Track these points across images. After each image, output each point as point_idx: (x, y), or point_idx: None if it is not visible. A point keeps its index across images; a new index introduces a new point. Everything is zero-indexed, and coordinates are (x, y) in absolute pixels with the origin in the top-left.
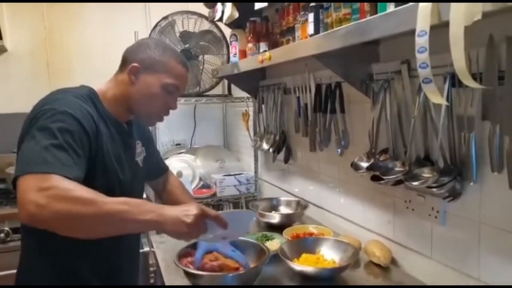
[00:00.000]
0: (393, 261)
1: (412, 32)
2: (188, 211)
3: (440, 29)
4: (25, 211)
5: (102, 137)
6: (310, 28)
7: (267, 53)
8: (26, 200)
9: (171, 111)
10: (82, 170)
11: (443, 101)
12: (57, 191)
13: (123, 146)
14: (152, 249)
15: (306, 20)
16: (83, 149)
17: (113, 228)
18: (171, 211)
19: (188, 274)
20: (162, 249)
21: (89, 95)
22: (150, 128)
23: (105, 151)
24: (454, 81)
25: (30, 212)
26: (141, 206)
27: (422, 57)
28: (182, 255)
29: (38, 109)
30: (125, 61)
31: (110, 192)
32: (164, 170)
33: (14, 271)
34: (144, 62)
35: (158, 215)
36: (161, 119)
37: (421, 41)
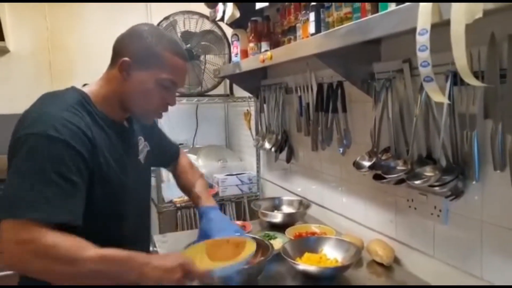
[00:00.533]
0: (396, 260)
1: (413, 31)
2: (171, 275)
3: (441, 27)
4: (7, 260)
5: (98, 148)
6: (311, 28)
7: (269, 53)
8: (8, 251)
9: (173, 109)
10: (78, 199)
11: (444, 100)
12: (37, 247)
13: (124, 147)
14: (154, 248)
15: (307, 19)
16: (79, 173)
17: (93, 284)
18: (153, 273)
19: None
20: (164, 249)
21: (80, 101)
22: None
23: (103, 162)
24: (456, 79)
25: (11, 263)
26: (128, 263)
27: (423, 56)
28: None
29: (24, 130)
30: (115, 54)
31: (115, 198)
32: (175, 156)
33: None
34: (136, 56)
35: (140, 275)
36: (159, 116)
37: (422, 39)
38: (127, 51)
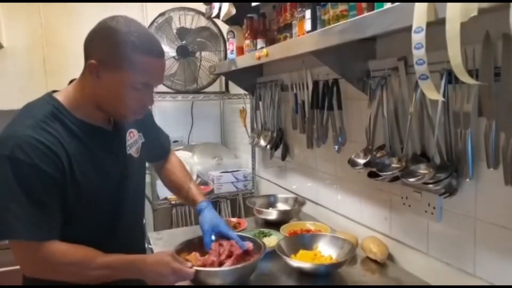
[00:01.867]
0: (390, 257)
1: (408, 29)
2: (166, 278)
3: (437, 26)
4: (25, 271)
5: (73, 160)
6: (307, 25)
7: (264, 50)
8: (24, 266)
9: (168, 106)
10: (49, 218)
11: (439, 97)
12: (47, 266)
13: (106, 149)
14: (149, 245)
15: (303, 16)
16: (48, 193)
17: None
18: (151, 276)
19: None
20: (159, 246)
21: (53, 112)
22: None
23: (80, 174)
24: (451, 77)
25: (30, 272)
26: (126, 269)
27: (418, 54)
28: (179, 251)
29: None
30: (85, 54)
31: (96, 206)
32: (166, 152)
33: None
34: (103, 58)
35: (140, 277)
36: (140, 115)
37: (418, 37)
38: (94, 53)
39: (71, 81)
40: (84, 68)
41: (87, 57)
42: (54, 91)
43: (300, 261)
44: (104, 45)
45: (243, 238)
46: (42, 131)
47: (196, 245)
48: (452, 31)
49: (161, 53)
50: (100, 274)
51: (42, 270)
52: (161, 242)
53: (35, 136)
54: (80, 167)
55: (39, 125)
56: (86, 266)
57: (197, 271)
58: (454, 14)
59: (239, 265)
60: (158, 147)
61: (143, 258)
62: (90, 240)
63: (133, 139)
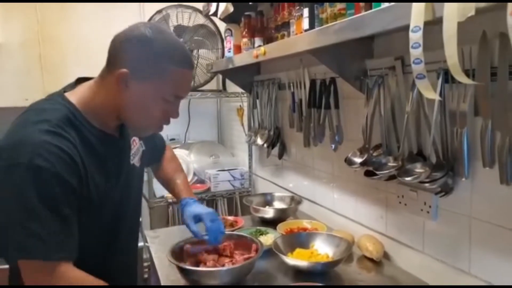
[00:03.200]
0: (386, 255)
1: (406, 28)
2: None
3: (434, 25)
4: None
5: (88, 170)
6: (305, 23)
7: (262, 48)
8: (32, 283)
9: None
10: (72, 234)
11: (436, 97)
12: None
13: (115, 158)
14: (146, 244)
15: (301, 15)
16: (69, 205)
17: None
18: None
19: (181, 270)
20: (156, 244)
21: (66, 117)
22: None
23: (93, 183)
24: (447, 77)
25: None
26: None
27: (415, 53)
28: (176, 250)
29: (6, 155)
30: (112, 59)
31: (100, 215)
32: (161, 154)
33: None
34: (135, 67)
35: None
36: (160, 129)
37: (415, 36)
38: (125, 60)
39: (78, 80)
40: (108, 72)
41: (115, 63)
42: (64, 91)
43: (297, 259)
44: (139, 55)
45: (240, 237)
46: (60, 137)
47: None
48: (449, 30)
49: (192, 65)
50: None
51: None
52: (158, 240)
53: (54, 142)
54: (92, 177)
55: (55, 130)
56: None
57: (194, 271)
58: (451, 14)
59: (236, 265)
60: (155, 152)
61: None
62: (91, 247)
63: (136, 148)
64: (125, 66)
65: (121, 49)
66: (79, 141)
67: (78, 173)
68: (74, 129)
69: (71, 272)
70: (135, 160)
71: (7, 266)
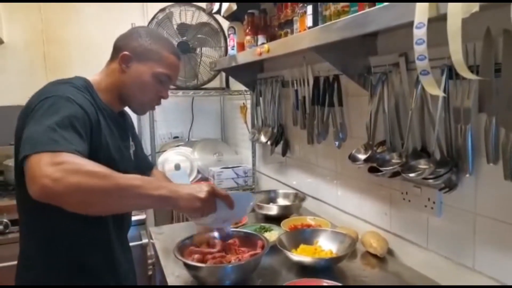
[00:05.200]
0: (389, 252)
1: (410, 25)
2: (200, 188)
3: (438, 22)
4: (38, 185)
5: (102, 130)
6: (309, 21)
7: (266, 46)
8: (40, 174)
9: (168, 102)
10: (86, 150)
11: (440, 93)
12: (71, 165)
13: (120, 138)
14: (151, 240)
15: (305, 12)
16: (86, 135)
17: (126, 202)
18: (183, 188)
19: (187, 266)
20: (161, 240)
21: (86, 86)
22: (139, 122)
23: (105, 144)
24: (452, 73)
25: (44, 185)
26: (154, 183)
27: (420, 49)
28: (182, 246)
29: (39, 99)
30: (116, 49)
31: None
32: (151, 165)
33: (14, 262)
34: (135, 50)
35: (171, 191)
36: (152, 108)
37: (419, 33)
38: (127, 47)
39: None
40: (112, 60)
41: (119, 51)
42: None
43: (301, 255)
44: (138, 40)
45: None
46: (83, 98)
47: (201, 239)
48: (453, 26)
49: (180, 57)
50: (129, 182)
51: (63, 171)
52: (162, 237)
53: (81, 94)
54: (106, 140)
55: (80, 90)
56: (115, 175)
57: (201, 267)
58: (456, 10)
59: (242, 262)
60: (143, 160)
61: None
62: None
63: (131, 143)
64: (128, 50)
65: (123, 41)
66: (96, 107)
67: (95, 119)
68: (91, 98)
69: (78, 158)
70: (131, 152)
71: (10, 263)
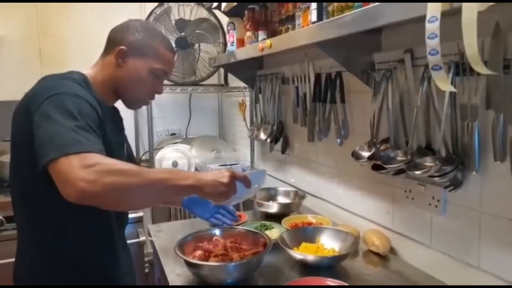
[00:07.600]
0: (392, 250)
1: (418, 20)
2: (221, 173)
3: (447, 17)
4: (74, 188)
5: (105, 125)
6: (313, 16)
7: (268, 41)
8: (74, 178)
9: (166, 98)
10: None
11: (452, 88)
12: (103, 166)
13: (117, 133)
14: (149, 238)
15: (308, 7)
16: (97, 132)
17: (157, 196)
18: (206, 175)
19: (189, 264)
20: (160, 238)
21: (84, 81)
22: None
23: (108, 139)
24: (458, 70)
25: (80, 188)
26: (180, 174)
27: (432, 43)
28: (183, 244)
29: (45, 96)
30: (112, 42)
31: None
32: (137, 163)
33: (9, 260)
34: (132, 45)
35: (197, 180)
36: (146, 103)
37: (432, 27)
38: (123, 41)
39: None
40: (107, 53)
41: (114, 44)
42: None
43: (303, 253)
44: (135, 35)
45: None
46: (86, 92)
47: (202, 237)
48: (469, 19)
49: (175, 52)
50: (159, 176)
51: (98, 173)
52: (162, 234)
53: (83, 96)
54: (108, 134)
55: (81, 84)
56: (144, 170)
57: (202, 265)
58: (471, 3)
59: (245, 260)
60: (131, 156)
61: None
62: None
63: (124, 137)
64: (124, 44)
65: (118, 34)
66: (95, 102)
67: (99, 114)
68: (89, 92)
69: (107, 158)
70: (124, 147)
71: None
